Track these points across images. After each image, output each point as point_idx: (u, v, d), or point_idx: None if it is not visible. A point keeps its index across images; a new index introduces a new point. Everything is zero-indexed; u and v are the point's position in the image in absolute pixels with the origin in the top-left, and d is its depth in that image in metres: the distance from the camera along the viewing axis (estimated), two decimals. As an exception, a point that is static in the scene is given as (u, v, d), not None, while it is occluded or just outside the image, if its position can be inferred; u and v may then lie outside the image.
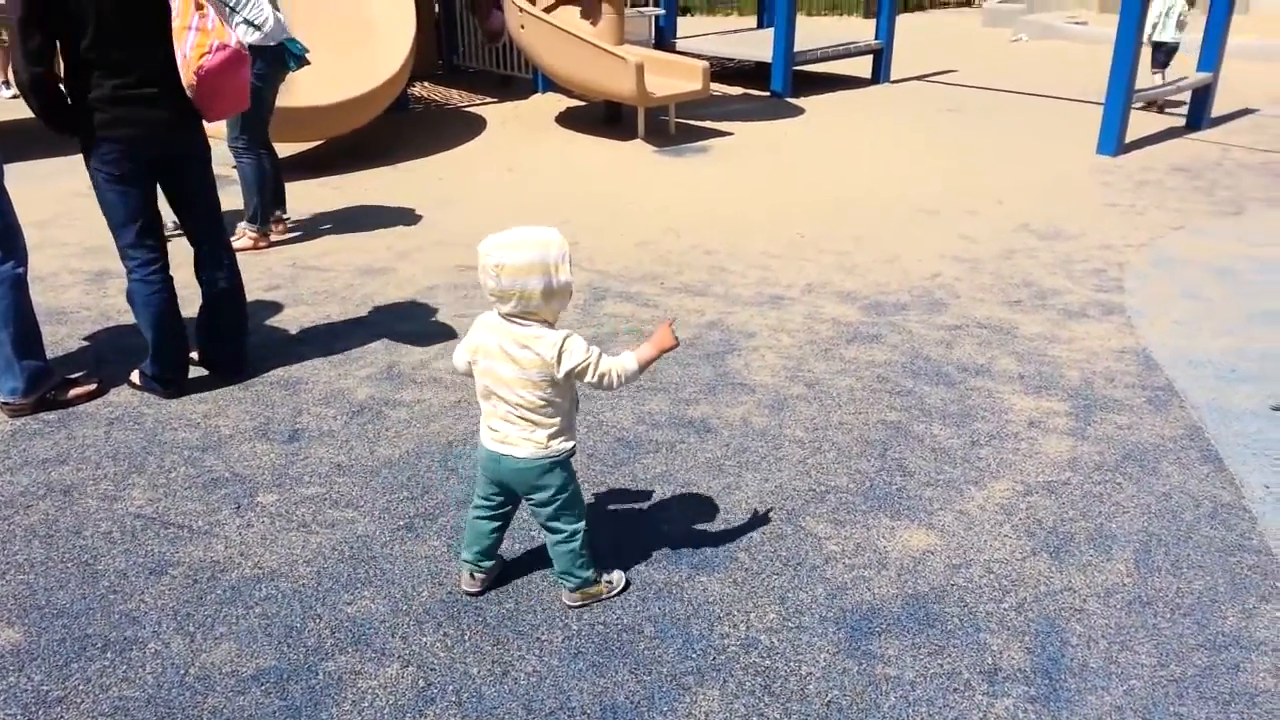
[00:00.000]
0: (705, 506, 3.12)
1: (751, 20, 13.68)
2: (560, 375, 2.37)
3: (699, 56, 9.53)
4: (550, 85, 9.57)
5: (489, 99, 9.69)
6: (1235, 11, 8.73)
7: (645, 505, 3.14)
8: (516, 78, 10.16)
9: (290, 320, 4.56)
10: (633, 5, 11.45)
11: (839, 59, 11.09)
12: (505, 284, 2.30)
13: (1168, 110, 9.18)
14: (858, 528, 3.03)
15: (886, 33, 10.91)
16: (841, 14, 17.89)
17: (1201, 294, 4.91)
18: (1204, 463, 3.40)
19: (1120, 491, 3.23)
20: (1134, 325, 4.53)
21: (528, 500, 2.58)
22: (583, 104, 9.31)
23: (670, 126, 8.41)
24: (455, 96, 9.91)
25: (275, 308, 4.70)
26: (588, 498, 3.06)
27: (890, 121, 9.08)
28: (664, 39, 11.36)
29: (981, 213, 6.23)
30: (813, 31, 12.47)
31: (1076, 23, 15.11)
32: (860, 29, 13.23)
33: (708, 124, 8.79)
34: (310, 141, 7.60)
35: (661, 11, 11.26)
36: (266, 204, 5.47)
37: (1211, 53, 8.43)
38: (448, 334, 4.40)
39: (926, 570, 2.83)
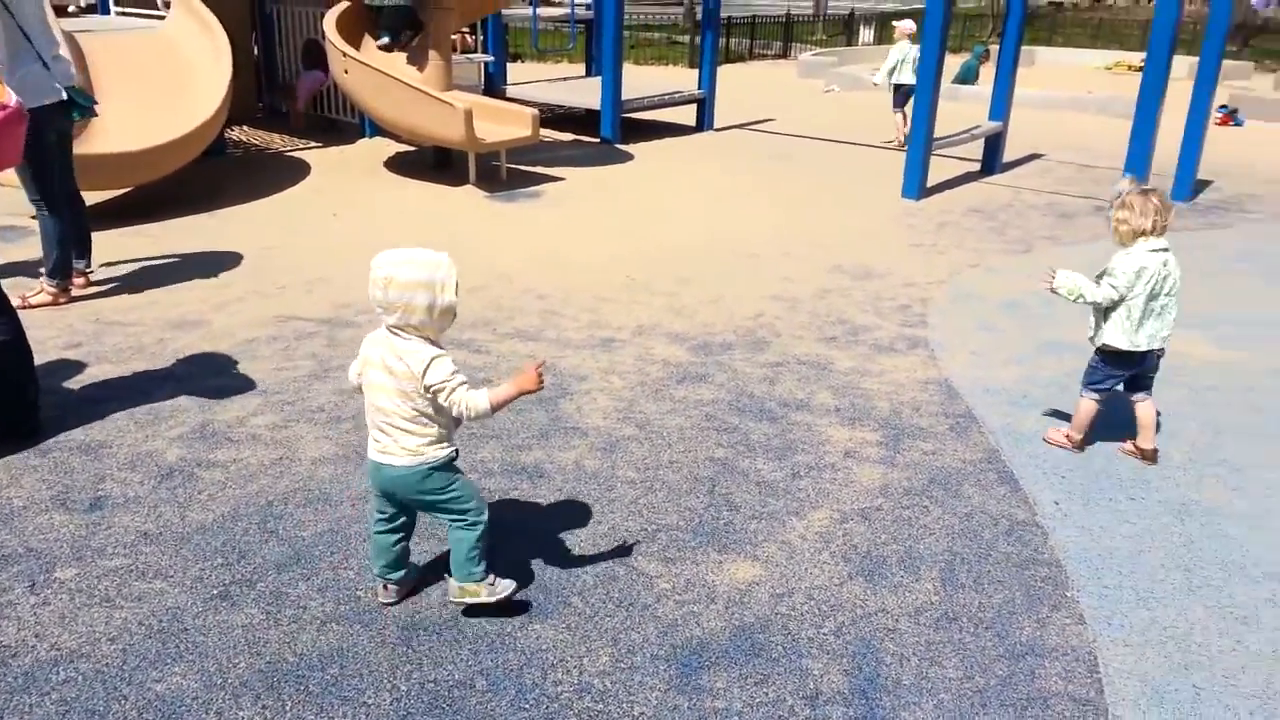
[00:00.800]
0: (537, 553, 3.12)
1: (582, 68, 13.95)
2: (423, 389, 2.51)
3: (529, 103, 9.65)
4: (378, 130, 9.44)
5: (313, 143, 9.46)
6: (1022, 65, 9.59)
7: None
8: (342, 121, 9.97)
9: (92, 379, 4.29)
10: (462, 52, 11.49)
11: (665, 107, 11.46)
12: (392, 297, 2.48)
13: (951, 155, 9.93)
14: (688, 564, 3.10)
15: (709, 83, 11.36)
16: (668, 64, 18.52)
17: (995, 326, 5.33)
18: (1001, 484, 3.67)
19: (927, 514, 3.45)
20: (936, 357, 4.86)
21: (417, 507, 2.71)
22: (412, 149, 9.23)
23: (501, 172, 8.44)
24: (277, 141, 9.62)
25: (76, 366, 4.40)
26: (418, 551, 3.01)
27: (714, 167, 9.44)
28: (494, 85, 11.44)
29: (798, 255, 6.55)
30: (640, 80, 12.83)
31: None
32: (685, 78, 13.71)
33: (539, 169, 8.88)
34: (120, 189, 7.20)
35: (490, 58, 11.33)
36: (66, 257, 5.13)
37: (1001, 103, 9.22)
38: (267, 389, 4.25)
39: (752, 601, 2.93)
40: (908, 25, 10.18)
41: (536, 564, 3.06)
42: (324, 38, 8.37)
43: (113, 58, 7.26)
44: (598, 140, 10.34)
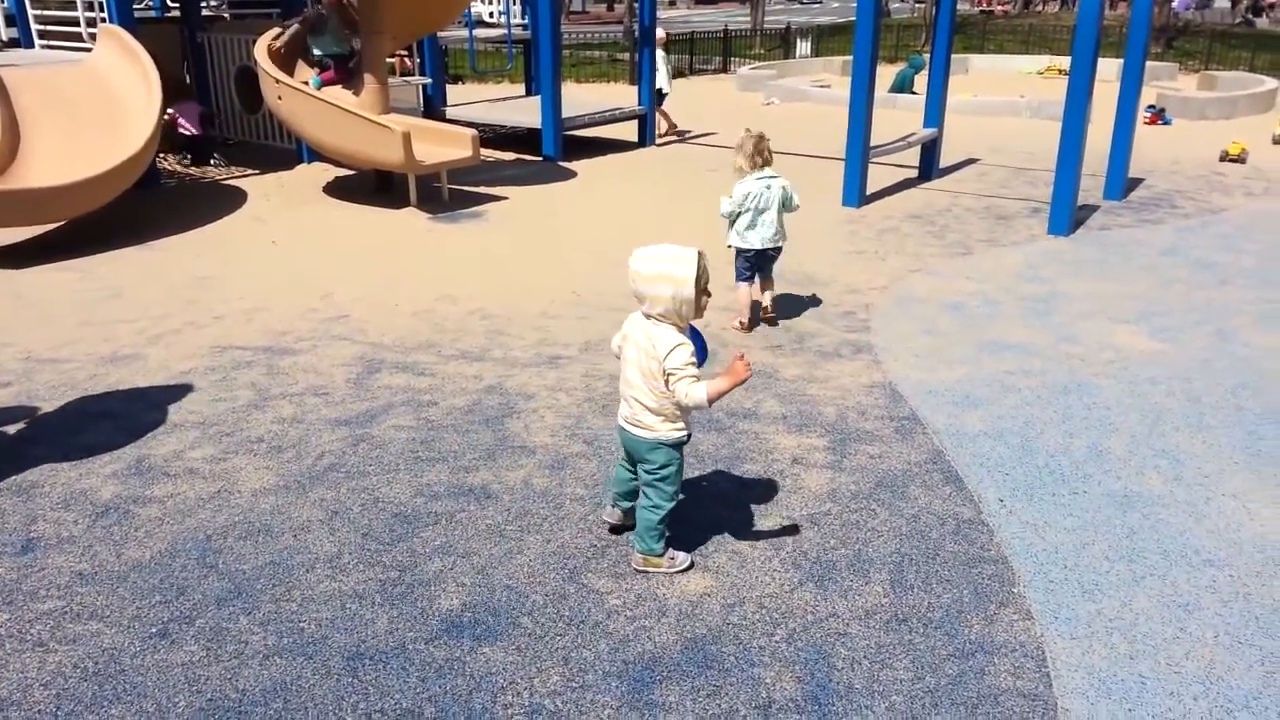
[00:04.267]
0: (486, 575, 3.08)
1: (522, 88, 13.95)
2: (665, 372, 2.83)
3: (469, 124, 9.61)
4: (316, 155, 9.34)
5: (250, 170, 9.32)
6: (956, 72, 9.77)
7: (424, 579, 3.06)
8: (279, 148, 9.85)
9: (22, 419, 4.16)
10: (400, 74, 11.43)
11: (606, 124, 11.49)
12: (640, 289, 2.84)
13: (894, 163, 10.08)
14: (638, 579, 3.08)
15: (649, 98, 11.41)
16: (609, 81, 18.59)
17: (937, 329, 5.39)
18: (946, 484, 3.71)
19: (875, 517, 3.46)
20: (880, 361, 4.91)
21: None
22: (351, 173, 9.14)
23: (443, 193, 8.39)
24: (212, 169, 9.47)
25: (5, 408, 4.27)
26: (364, 580, 2.96)
27: (658, 181, 9.48)
28: (433, 107, 11.38)
29: (744, 264, 6.58)
30: (581, 98, 12.86)
31: (821, 86, 16.40)
32: (626, 95, 13.75)
33: (482, 189, 8.85)
34: (49, 224, 7.03)
35: (428, 80, 11.28)
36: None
37: (935, 110, 9.37)
38: (204, 420, 4.15)
39: (704, 613, 2.92)
40: (659, 35, 11.60)
41: (484, 587, 3.02)
42: (255, 64, 8.27)
43: (38, 91, 7.11)
44: (540, 159, 10.33)
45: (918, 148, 9.37)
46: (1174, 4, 26.80)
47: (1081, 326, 5.43)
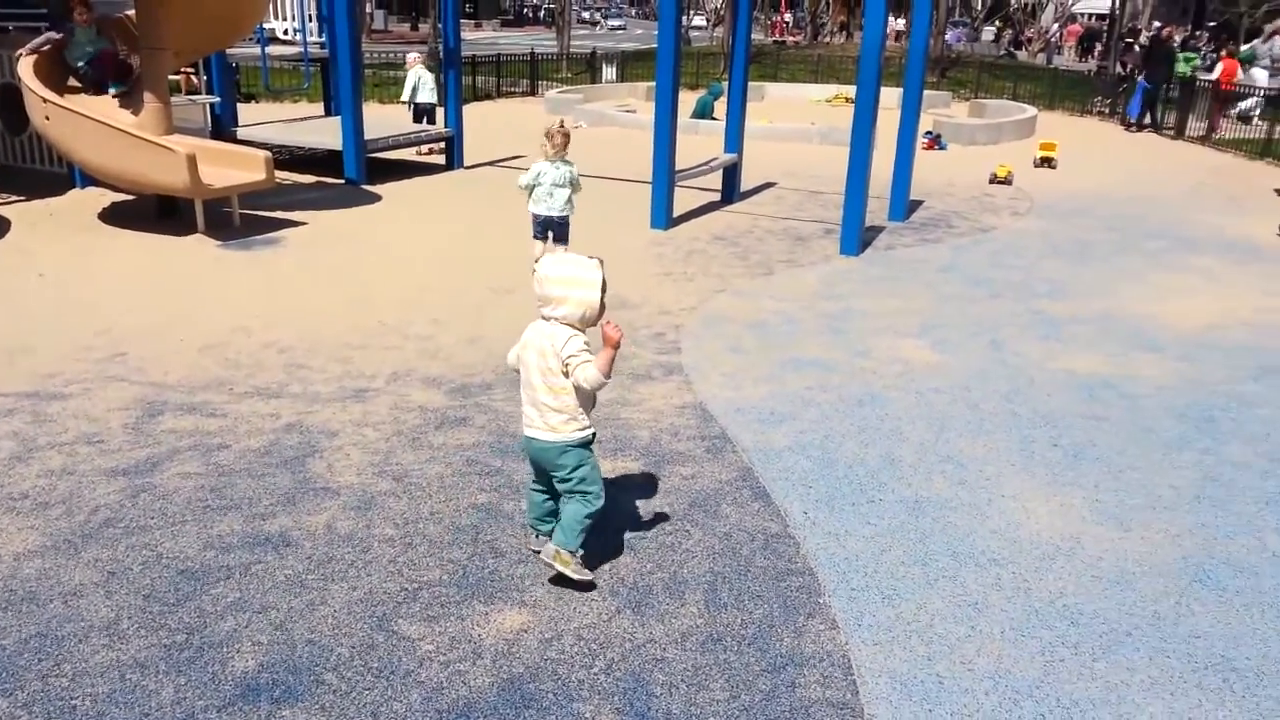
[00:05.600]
0: (285, 630, 2.90)
1: (320, 107, 13.43)
2: (562, 363, 2.96)
3: (264, 145, 9.16)
4: (91, 179, 8.63)
5: (14, 197, 8.49)
6: (752, 99, 10.17)
7: (216, 640, 2.84)
8: (48, 172, 9.03)
9: None
10: (186, 93, 10.76)
11: (411, 146, 11.24)
12: (549, 292, 3.00)
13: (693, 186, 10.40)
14: (452, 620, 2.98)
15: (455, 120, 11.26)
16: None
17: (742, 348, 5.57)
18: (755, 500, 3.81)
19: (689, 538, 3.51)
20: (691, 381, 5.01)
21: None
22: (132, 198, 8.49)
23: (234, 218, 7.94)
24: (-33, 195, 8.57)
25: None
26: (146, 646, 2.71)
27: (466, 205, 9.34)
28: (222, 127, 10.77)
29: (555, 288, 6.57)
30: (385, 119, 12.54)
31: (627, 110, 16.72)
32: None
33: (278, 214, 8.43)
34: None
35: (217, 99, 10.67)
36: None
37: (734, 135, 9.73)
38: (-42, 477, 3.71)
39: (521, 650, 2.85)
40: (413, 57, 12.92)
41: (283, 644, 2.84)
42: (19, 81, 7.56)
43: None
44: (342, 182, 9.97)
45: (720, 172, 9.69)
46: (947, 36, 29.13)
47: (873, 341, 5.74)
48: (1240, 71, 17.85)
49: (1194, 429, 4.62)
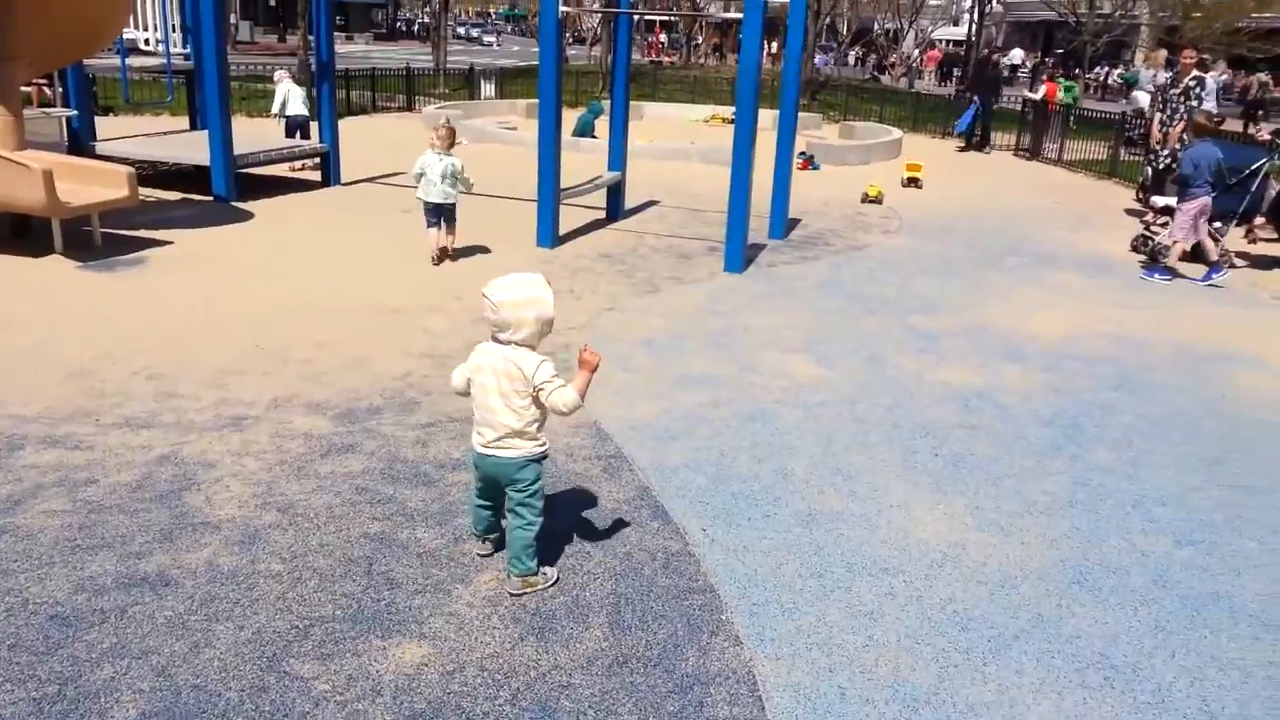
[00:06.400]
0: (168, 676, 2.73)
1: (185, 121, 12.86)
2: (532, 389, 3.05)
3: (125, 160, 8.71)
4: (-71, 196, 8.00)
5: None
6: (632, 118, 10.26)
7: (92, 690, 2.65)
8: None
9: None
10: (39, 105, 10.14)
11: (285, 161, 10.89)
12: (504, 317, 3.01)
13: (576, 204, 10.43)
14: (348, 657, 2.87)
15: (331, 136, 10.97)
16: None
17: (633, 365, 5.59)
18: (654, 519, 3.82)
19: (590, 560, 3.49)
20: (583, 401, 4.98)
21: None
22: (-23, 217, 7.92)
23: (95, 238, 7.51)
24: None
25: None
26: (14, 701, 2.51)
27: (345, 223, 9.10)
28: (80, 142, 10.18)
29: (442, 308, 6.46)
30: (255, 133, 12.11)
31: (507, 128, 16.62)
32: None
33: (143, 233, 8.02)
34: None
35: (73, 112, 10.09)
36: None
37: (618, 153, 9.79)
38: None
39: (422, 685, 2.77)
40: (282, 72, 12.87)
41: (166, 690, 2.68)
42: None
43: None
44: (210, 199, 9.56)
45: (604, 190, 9.73)
46: (815, 60, 30.13)
47: (760, 357, 5.85)
48: (1128, 96, 19.07)
49: (1062, 436, 4.88)
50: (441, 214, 7.60)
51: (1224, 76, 22.07)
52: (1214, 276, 8.46)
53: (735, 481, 4.18)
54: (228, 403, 4.72)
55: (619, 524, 3.75)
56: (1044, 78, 20.22)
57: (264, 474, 4.01)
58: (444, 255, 7.72)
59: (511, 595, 3.21)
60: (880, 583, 3.44)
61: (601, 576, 3.39)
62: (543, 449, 3.21)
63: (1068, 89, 19.27)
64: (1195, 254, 8.78)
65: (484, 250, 8.24)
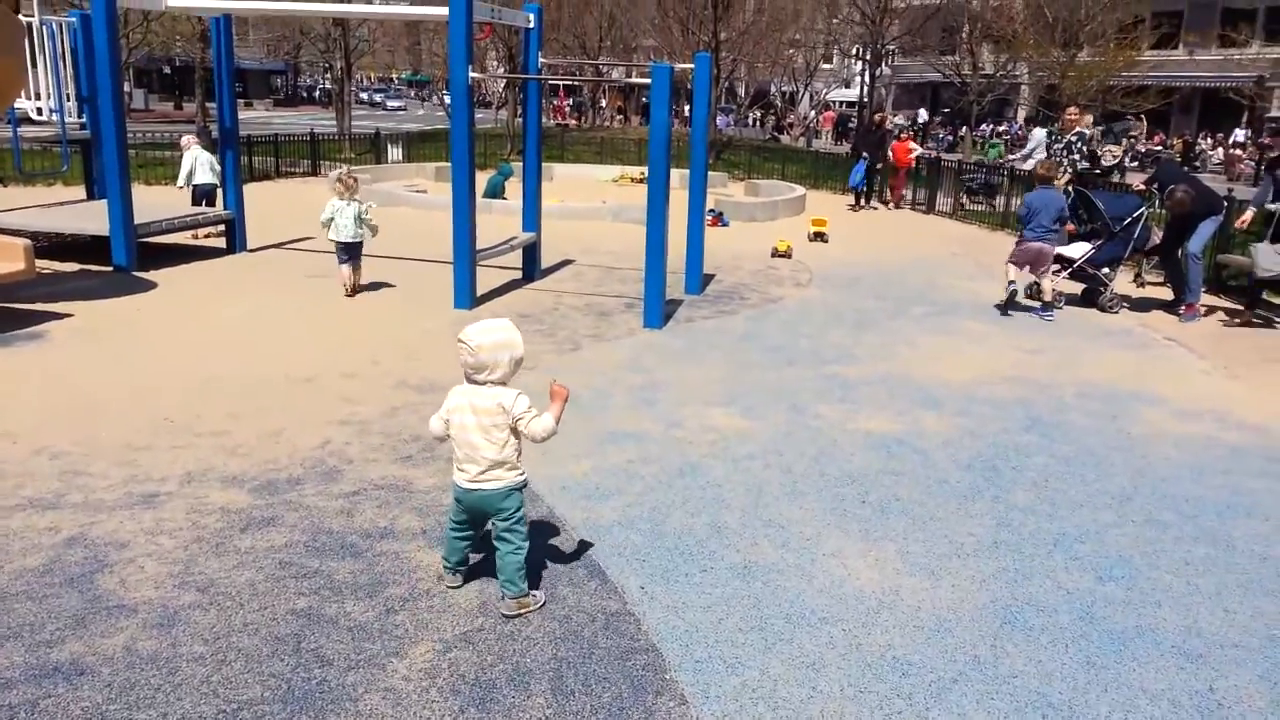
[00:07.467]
0: (87, 773, 2.57)
1: (80, 191, 12.45)
2: (511, 420, 3.32)
3: (19, 232, 8.37)
4: None
5: None
6: (543, 179, 10.34)
7: (0, 797, 2.47)
8: None
9: None
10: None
11: (188, 229, 10.63)
12: (481, 359, 3.29)
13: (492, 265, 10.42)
14: (280, 740, 2.74)
15: (236, 202, 10.76)
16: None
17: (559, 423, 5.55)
18: (591, 578, 3.78)
19: (529, 624, 3.42)
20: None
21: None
22: None
23: (-13, 313, 7.16)
24: None
25: None
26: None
27: (253, 290, 8.89)
28: (-33, 213, 9.76)
29: (360, 374, 6.34)
30: (155, 202, 11.79)
31: (417, 190, 16.56)
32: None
33: (39, 306, 7.69)
34: None
35: (-41, 181, 9.67)
36: None
37: (531, 214, 9.84)
38: None
39: (362, 765, 2.66)
40: (188, 139, 12.76)
41: (87, 788, 2.51)
42: None
43: None
44: (111, 269, 9.24)
45: (520, 250, 9.75)
46: (718, 121, 30.96)
47: (684, 411, 5.89)
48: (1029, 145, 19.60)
49: (981, 478, 5.02)
50: (351, 252, 8.58)
51: (1090, 131, 23.43)
52: (1042, 315, 9.13)
53: (670, 537, 4.17)
54: (138, 479, 4.52)
55: (556, 585, 3.70)
56: (902, 135, 20.73)
57: (180, 552, 3.84)
58: (355, 289, 8.69)
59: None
60: (820, 633, 3.46)
61: (541, 641, 3.32)
62: (523, 477, 3.45)
63: (992, 146, 20.01)
64: (1035, 293, 9.42)
65: (401, 313, 8.15)
